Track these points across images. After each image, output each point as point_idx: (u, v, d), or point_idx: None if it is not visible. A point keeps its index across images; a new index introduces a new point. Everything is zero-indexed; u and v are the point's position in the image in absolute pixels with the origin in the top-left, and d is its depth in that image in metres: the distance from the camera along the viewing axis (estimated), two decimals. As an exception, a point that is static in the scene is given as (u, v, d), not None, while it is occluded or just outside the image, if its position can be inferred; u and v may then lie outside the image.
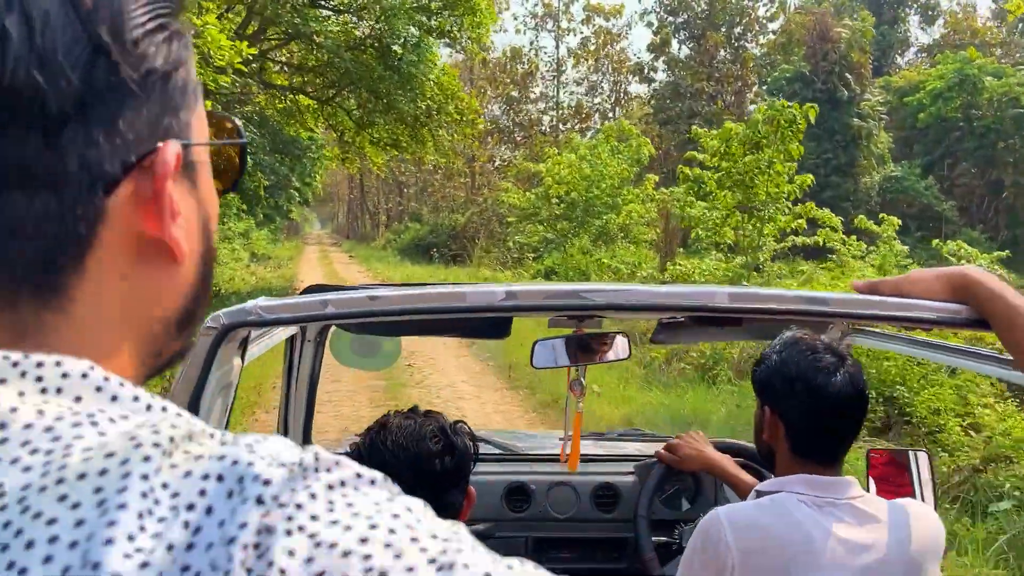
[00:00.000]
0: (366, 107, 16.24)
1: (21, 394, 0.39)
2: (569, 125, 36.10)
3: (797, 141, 10.15)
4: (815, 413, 1.46)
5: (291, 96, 18.02)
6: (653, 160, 23.74)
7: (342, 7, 15.87)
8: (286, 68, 16.73)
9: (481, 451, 1.59)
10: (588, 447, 2.55)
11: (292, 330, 1.84)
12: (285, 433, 2.21)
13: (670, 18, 38.51)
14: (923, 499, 1.83)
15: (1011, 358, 1.06)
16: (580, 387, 2.03)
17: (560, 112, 35.75)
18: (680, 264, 13.12)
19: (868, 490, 1.74)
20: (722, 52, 37.49)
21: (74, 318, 0.44)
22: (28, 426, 0.37)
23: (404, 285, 1.29)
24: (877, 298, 1.10)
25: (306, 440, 2.34)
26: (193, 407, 1.05)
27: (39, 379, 0.40)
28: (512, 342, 6.94)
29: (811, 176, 10.72)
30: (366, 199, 58.19)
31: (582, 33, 38.63)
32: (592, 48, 38.08)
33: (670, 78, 38.58)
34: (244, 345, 1.18)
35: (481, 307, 1.07)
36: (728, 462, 1.98)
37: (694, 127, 17.93)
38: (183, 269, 0.49)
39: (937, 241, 14.29)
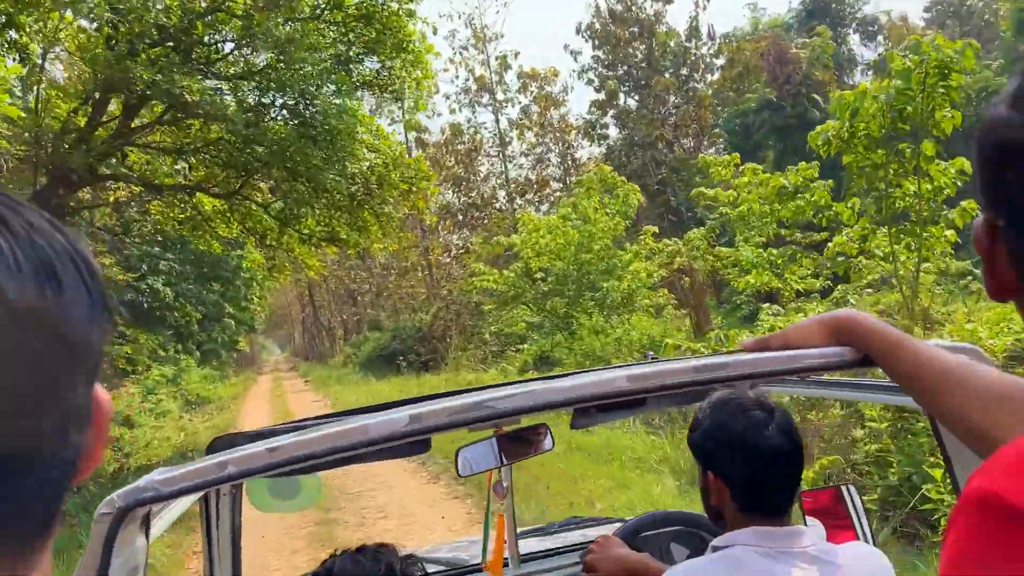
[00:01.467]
0: (283, 192, 12.02)
1: None
2: (528, 197, 32.35)
3: (950, 103, 6.17)
4: (756, 470, 1.45)
5: (187, 198, 13.74)
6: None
7: (233, 74, 11.81)
8: (165, 154, 12.45)
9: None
10: (531, 544, 2.55)
11: None
12: None
13: (608, 72, 35.64)
14: (863, 529, 1.89)
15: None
16: (502, 489, 2.04)
17: (514, 186, 31.95)
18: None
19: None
20: (672, 97, 34.53)
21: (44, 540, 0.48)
22: None
23: (313, 421, 1.30)
24: (769, 354, 1.09)
25: None
26: None
27: None
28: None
29: (964, 160, 6.78)
30: (319, 315, 53.53)
31: (520, 103, 35.41)
32: (534, 116, 34.79)
33: (621, 133, 35.43)
34: (147, 522, 1.11)
35: (386, 437, 1.01)
36: (648, 559, 1.86)
37: (701, 156, 14.22)
38: None
39: None
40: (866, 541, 1.89)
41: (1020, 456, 0.57)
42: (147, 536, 1.12)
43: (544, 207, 33.09)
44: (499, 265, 25.47)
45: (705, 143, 32.66)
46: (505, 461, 1.91)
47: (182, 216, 15.12)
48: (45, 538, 0.46)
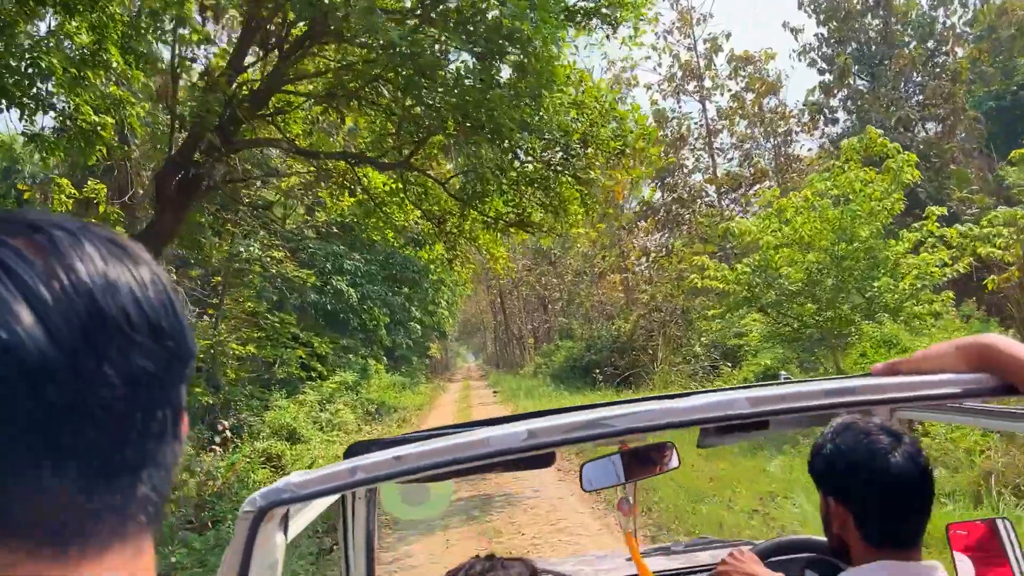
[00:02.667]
0: (463, 151, 9.11)
1: None
2: (743, 190, 28.05)
3: None
4: (881, 498, 1.37)
5: (352, 173, 11.29)
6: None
7: (406, 8, 9.10)
8: (316, 102, 9.91)
9: None
10: (658, 562, 2.45)
11: None
12: None
13: (828, 51, 30.68)
14: (1020, 567, 1.70)
15: None
16: (628, 505, 1.96)
17: (724, 179, 27.67)
18: None
19: (954, 568, 1.68)
20: (916, 75, 29.02)
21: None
22: None
23: (434, 433, 1.35)
24: (900, 379, 1.01)
25: None
26: None
27: None
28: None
29: None
30: (509, 322, 51.60)
31: (730, 90, 31.21)
32: (749, 101, 30.47)
33: (850, 118, 30.33)
34: (285, 521, 1.16)
35: (505, 450, 1.03)
36: None
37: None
38: None
39: None
40: None
41: None
42: (286, 533, 1.16)
43: (753, 207, 28.74)
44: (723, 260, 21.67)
45: (961, 123, 26.94)
46: (628, 478, 1.86)
47: (351, 200, 12.79)
48: (156, 526, 0.50)
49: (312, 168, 11.68)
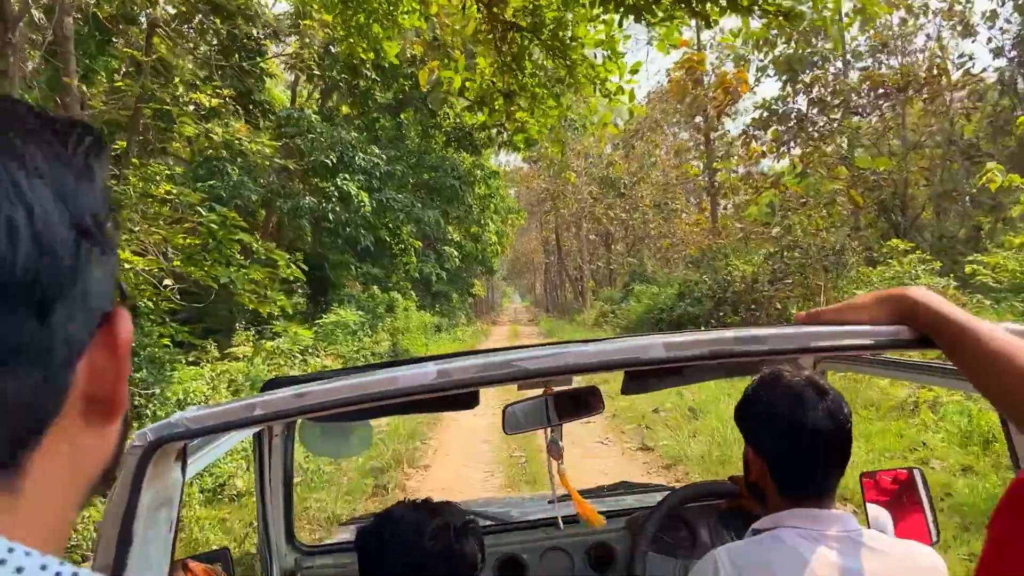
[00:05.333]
0: None
1: None
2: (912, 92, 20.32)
3: None
4: (796, 451, 1.33)
5: None
6: None
7: None
8: None
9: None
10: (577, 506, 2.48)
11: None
12: (265, 530, 2.09)
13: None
14: (927, 517, 1.78)
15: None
16: (557, 448, 1.87)
17: (895, 77, 19.91)
18: None
19: (867, 515, 1.72)
20: None
21: (25, 494, 0.42)
22: None
23: (347, 372, 1.23)
24: (817, 329, 0.99)
25: (289, 537, 2.21)
26: (126, 527, 0.97)
27: None
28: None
29: None
30: (565, 261, 44.75)
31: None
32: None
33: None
34: (183, 457, 1.09)
35: (414, 389, 0.98)
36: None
37: None
38: (114, 425, 0.47)
39: None
40: (929, 529, 1.75)
41: None
42: (183, 471, 1.09)
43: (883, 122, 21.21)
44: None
45: None
46: (554, 421, 1.78)
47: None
48: (8, 476, 0.41)
49: None
